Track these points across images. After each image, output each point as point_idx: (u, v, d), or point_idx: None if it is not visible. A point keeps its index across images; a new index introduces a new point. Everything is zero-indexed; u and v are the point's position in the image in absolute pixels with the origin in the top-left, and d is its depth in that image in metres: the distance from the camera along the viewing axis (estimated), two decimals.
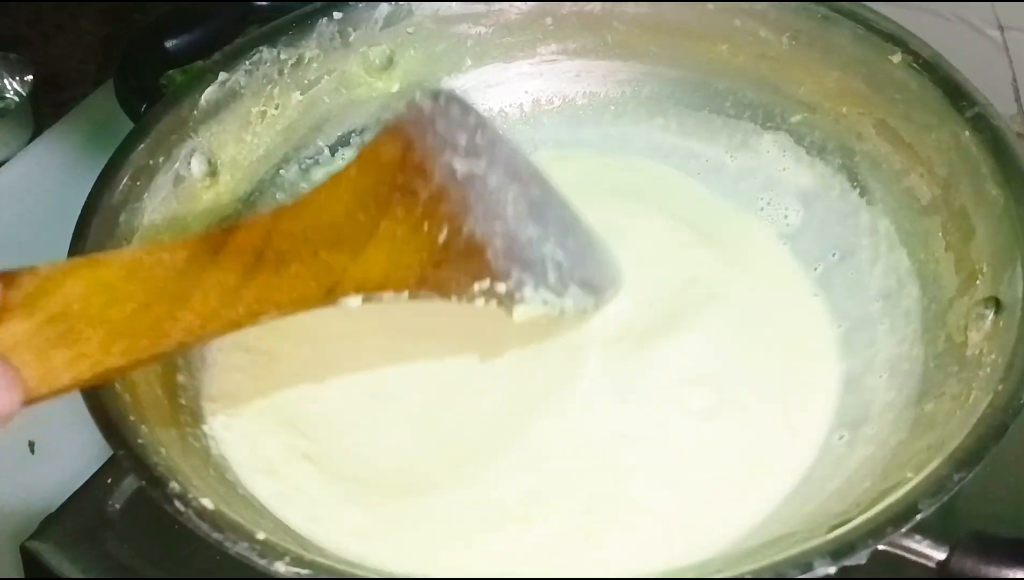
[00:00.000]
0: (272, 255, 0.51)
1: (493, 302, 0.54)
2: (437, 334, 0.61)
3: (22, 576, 0.63)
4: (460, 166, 0.55)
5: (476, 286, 0.53)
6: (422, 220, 0.54)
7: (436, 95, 0.57)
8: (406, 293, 0.53)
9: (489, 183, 0.56)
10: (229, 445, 0.58)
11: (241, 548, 0.46)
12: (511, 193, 0.56)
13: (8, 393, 0.42)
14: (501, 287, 0.54)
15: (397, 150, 0.55)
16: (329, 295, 0.52)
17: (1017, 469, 0.59)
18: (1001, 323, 0.54)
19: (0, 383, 0.42)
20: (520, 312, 0.54)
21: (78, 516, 0.63)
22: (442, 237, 0.53)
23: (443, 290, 0.53)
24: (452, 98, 0.57)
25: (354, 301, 0.52)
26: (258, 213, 0.53)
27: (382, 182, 0.54)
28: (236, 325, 0.50)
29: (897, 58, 0.64)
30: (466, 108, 0.58)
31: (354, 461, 0.59)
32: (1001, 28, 0.80)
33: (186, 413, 0.57)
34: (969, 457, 0.48)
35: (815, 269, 0.66)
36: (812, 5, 0.67)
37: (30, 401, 0.44)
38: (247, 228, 0.52)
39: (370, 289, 0.52)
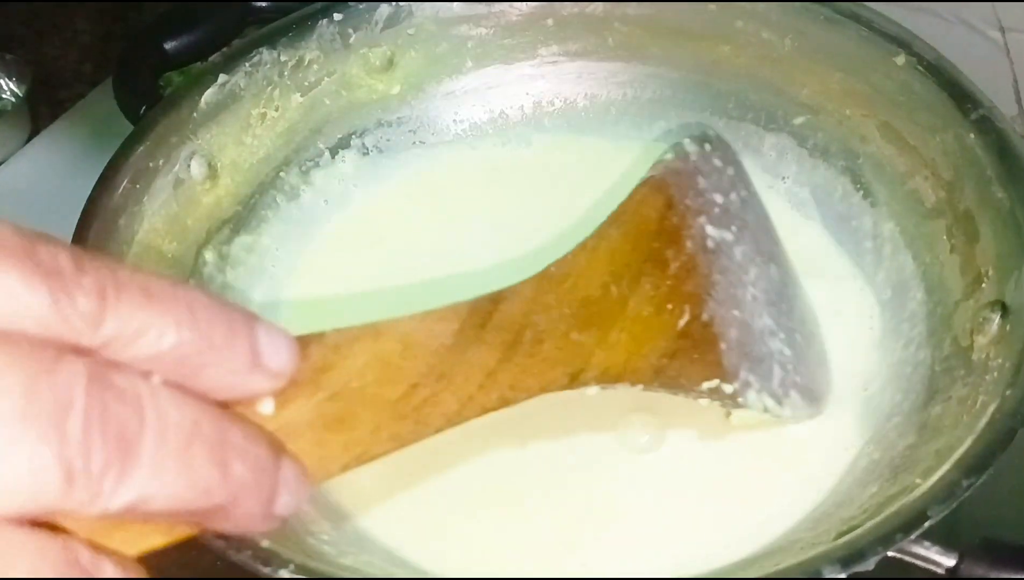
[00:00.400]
0: (530, 333, 0.47)
1: (716, 402, 0.51)
2: None
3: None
4: (713, 233, 0.53)
5: (705, 385, 0.51)
6: (667, 299, 0.51)
7: (704, 140, 0.54)
8: (640, 386, 0.49)
9: (735, 256, 0.53)
10: None
11: (245, 555, 0.46)
12: (752, 271, 0.54)
13: (297, 493, 0.37)
14: (728, 388, 0.51)
15: (657, 210, 0.53)
16: (572, 382, 0.47)
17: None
18: (1008, 327, 0.54)
19: (290, 482, 0.36)
20: (738, 417, 0.53)
21: None
22: (682, 322, 0.50)
23: (673, 385, 0.50)
24: (719, 144, 0.55)
25: (592, 390, 0.48)
26: (522, 282, 0.49)
27: (638, 249, 0.51)
28: (485, 412, 0.44)
29: (901, 60, 0.63)
30: (727, 157, 0.55)
31: None
32: (1002, 29, 0.80)
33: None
34: (978, 463, 0.47)
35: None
36: (815, 6, 0.67)
37: None
38: (511, 299, 0.48)
39: (611, 379, 0.48)
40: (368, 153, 0.71)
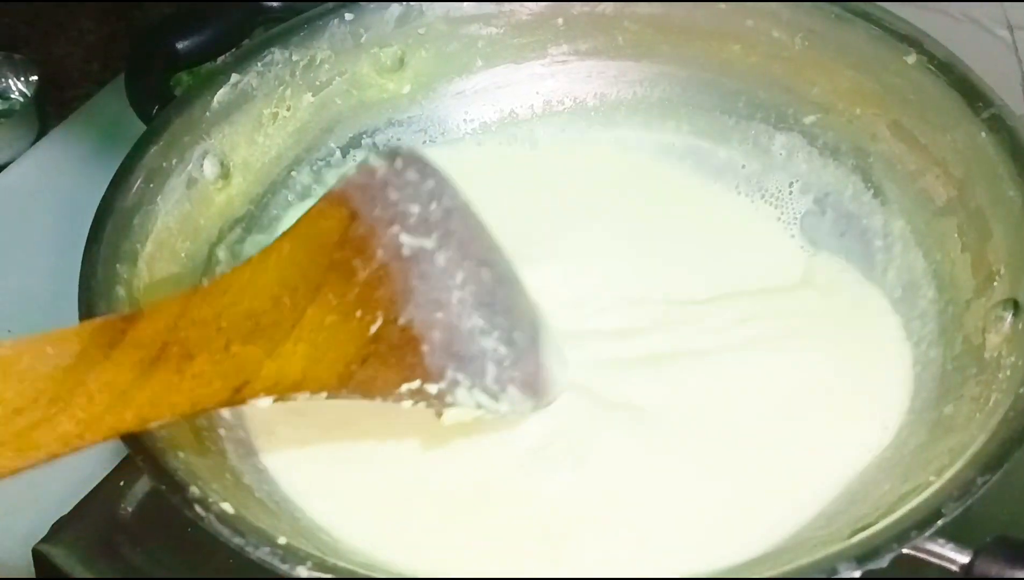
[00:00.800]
0: (176, 349, 0.47)
1: (421, 404, 0.51)
2: None
3: (34, 579, 0.63)
4: (408, 241, 0.52)
5: (404, 387, 0.51)
6: (355, 307, 0.50)
7: (393, 156, 0.54)
8: (324, 394, 0.50)
9: (437, 262, 0.52)
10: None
11: (263, 552, 0.46)
12: (460, 275, 0.53)
13: None
14: (432, 388, 0.51)
15: (338, 222, 0.52)
16: (236, 396, 0.48)
17: None
18: (1020, 325, 0.54)
19: None
20: (450, 415, 0.53)
21: (90, 519, 0.63)
22: (374, 328, 0.50)
23: (366, 391, 0.50)
24: (411, 159, 0.54)
25: (264, 402, 0.49)
26: (170, 297, 0.50)
27: (316, 261, 0.51)
28: (119, 432, 0.46)
29: (912, 59, 0.63)
30: (425, 170, 0.54)
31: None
32: (1011, 28, 0.80)
33: (201, 415, 0.57)
34: (992, 460, 0.48)
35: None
36: (825, 5, 0.67)
37: None
38: (152, 316, 0.48)
39: (283, 390, 0.49)
40: (379, 152, 0.71)
